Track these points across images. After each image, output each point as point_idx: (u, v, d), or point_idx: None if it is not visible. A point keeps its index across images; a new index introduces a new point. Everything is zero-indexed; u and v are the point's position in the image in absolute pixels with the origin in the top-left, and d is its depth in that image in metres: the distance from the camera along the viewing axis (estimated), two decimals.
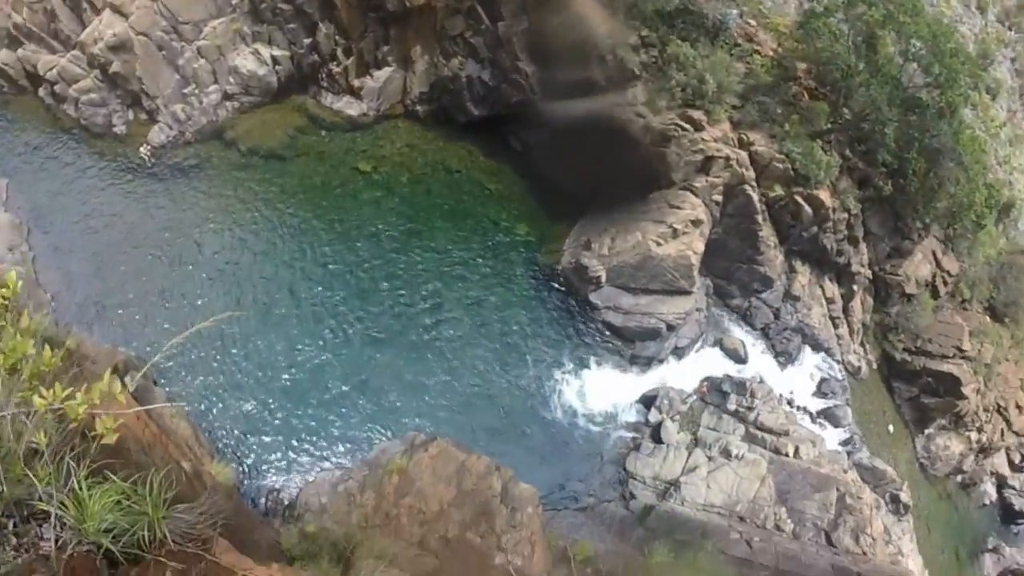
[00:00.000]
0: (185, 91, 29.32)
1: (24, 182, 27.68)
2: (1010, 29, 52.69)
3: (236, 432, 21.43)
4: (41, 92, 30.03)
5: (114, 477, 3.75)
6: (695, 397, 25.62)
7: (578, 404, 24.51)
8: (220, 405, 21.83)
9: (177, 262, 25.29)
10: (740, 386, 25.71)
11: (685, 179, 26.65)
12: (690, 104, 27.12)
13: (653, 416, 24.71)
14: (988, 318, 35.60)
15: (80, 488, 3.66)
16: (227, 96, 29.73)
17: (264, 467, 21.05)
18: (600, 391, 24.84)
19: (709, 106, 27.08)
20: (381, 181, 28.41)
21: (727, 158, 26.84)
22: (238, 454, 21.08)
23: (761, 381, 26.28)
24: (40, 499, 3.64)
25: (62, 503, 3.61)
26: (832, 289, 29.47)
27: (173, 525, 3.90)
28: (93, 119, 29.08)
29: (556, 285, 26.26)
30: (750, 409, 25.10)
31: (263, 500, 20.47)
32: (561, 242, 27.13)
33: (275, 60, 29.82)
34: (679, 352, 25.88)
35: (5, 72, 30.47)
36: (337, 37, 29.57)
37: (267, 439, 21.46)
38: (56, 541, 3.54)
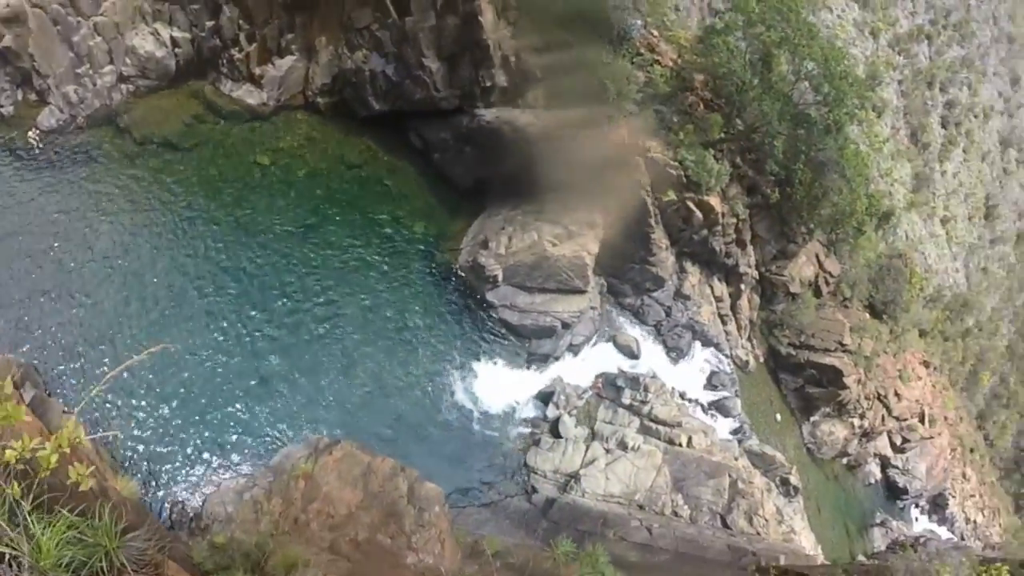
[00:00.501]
0: (79, 71, 27.70)
1: None
2: (899, 54, 57.06)
3: (132, 443, 20.46)
4: None
5: (64, 511, 3.78)
6: (591, 392, 26.45)
7: (477, 402, 24.79)
8: (113, 415, 20.85)
9: (66, 257, 23.87)
10: (634, 381, 26.74)
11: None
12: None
13: (551, 412, 25.36)
14: (868, 315, 38.31)
15: (32, 525, 3.63)
16: (122, 78, 28.42)
17: (165, 478, 20.27)
18: (498, 388, 25.23)
19: (610, 111, 28.15)
20: (279, 175, 27.77)
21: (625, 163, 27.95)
22: (137, 466, 20.18)
23: (654, 376, 27.42)
24: None
25: (13, 544, 3.54)
26: (721, 288, 31.06)
27: (127, 553, 3.98)
28: None
29: (453, 283, 26.48)
30: (644, 402, 26.14)
31: (168, 513, 19.74)
32: (459, 240, 27.40)
33: (175, 42, 28.75)
34: (574, 349, 26.63)
35: None
36: (241, 21, 28.81)
37: (164, 449, 20.62)
38: None
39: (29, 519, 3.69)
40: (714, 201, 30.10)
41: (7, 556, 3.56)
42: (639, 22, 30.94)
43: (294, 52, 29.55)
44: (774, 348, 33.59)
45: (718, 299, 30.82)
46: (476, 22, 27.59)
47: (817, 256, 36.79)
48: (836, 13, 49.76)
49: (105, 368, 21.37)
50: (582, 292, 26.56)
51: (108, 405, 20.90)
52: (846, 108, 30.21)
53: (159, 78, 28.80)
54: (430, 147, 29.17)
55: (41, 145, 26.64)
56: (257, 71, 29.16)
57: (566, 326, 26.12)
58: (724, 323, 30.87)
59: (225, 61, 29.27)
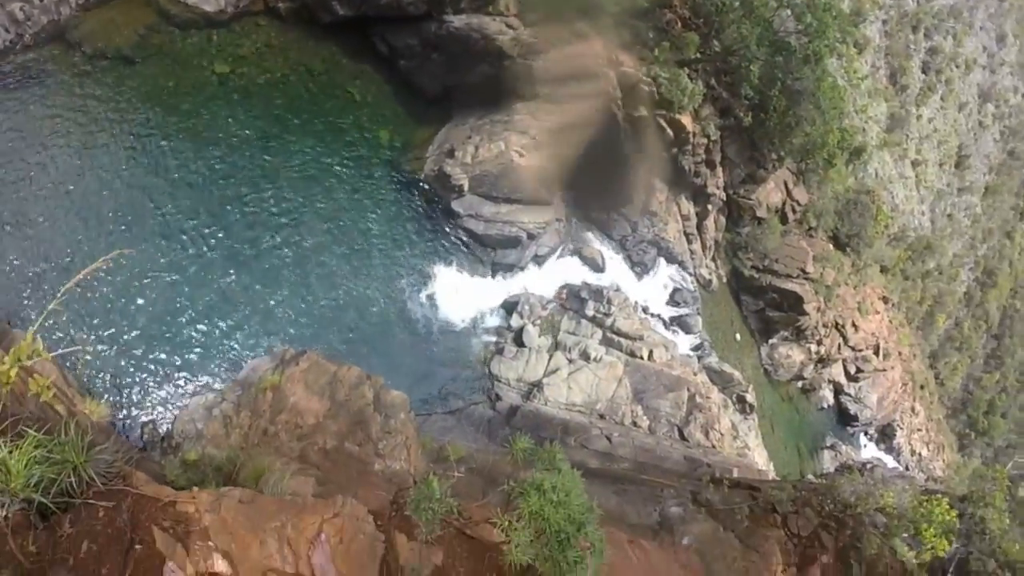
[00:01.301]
0: None
1: None
2: None
3: (97, 366, 20.27)
4: None
5: (31, 431, 3.72)
6: (555, 303, 26.66)
7: (441, 311, 24.78)
8: (73, 337, 20.40)
9: (19, 182, 23.08)
10: (598, 293, 26.98)
11: (550, 92, 27.11)
12: (561, 20, 27.53)
13: (515, 321, 25.49)
14: (832, 246, 38.97)
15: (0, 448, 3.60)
16: None
17: (134, 400, 20.19)
18: (463, 298, 25.23)
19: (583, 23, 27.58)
20: (238, 83, 26.75)
21: (595, 75, 27.56)
22: (104, 390, 20.00)
23: (618, 289, 27.67)
24: None
25: None
26: (688, 207, 31.22)
27: (95, 467, 3.96)
28: None
29: (418, 193, 26.07)
30: (607, 315, 26.43)
31: (139, 434, 19.67)
32: (424, 149, 26.86)
33: None
34: (539, 260, 26.63)
35: None
36: None
37: (131, 371, 20.44)
38: None
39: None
40: (686, 120, 29.97)
41: None
42: None
43: None
44: (737, 270, 34.10)
45: (684, 218, 31.00)
46: None
47: (786, 183, 37.10)
48: None
49: (59, 287, 20.68)
50: (547, 204, 26.46)
51: (71, 328, 20.52)
52: (827, 40, 30.04)
53: None
54: (396, 54, 28.15)
55: None
56: None
57: (531, 237, 26.08)
58: (689, 242, 31.14)
59: None
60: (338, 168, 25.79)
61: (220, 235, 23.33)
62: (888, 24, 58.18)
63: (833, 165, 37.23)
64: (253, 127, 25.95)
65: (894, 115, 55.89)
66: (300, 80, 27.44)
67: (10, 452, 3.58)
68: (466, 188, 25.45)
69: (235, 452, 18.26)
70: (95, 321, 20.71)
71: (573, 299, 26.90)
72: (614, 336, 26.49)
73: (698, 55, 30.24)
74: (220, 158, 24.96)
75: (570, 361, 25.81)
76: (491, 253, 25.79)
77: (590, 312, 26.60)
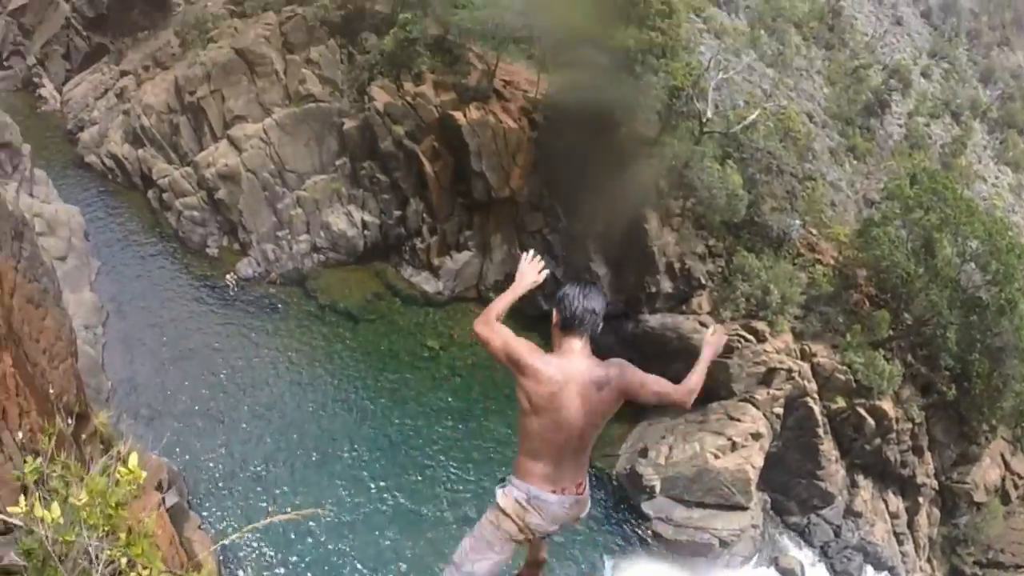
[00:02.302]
0: (279, 234, 31.03)
1: (114, 269, 29.16)
2: None
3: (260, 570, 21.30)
4: (150, 194, 32.28)
5: None
6: None
7: None
8: (247, 544, 21.61)
9: (235, 389, 25.85)
10: None
11: (746, 390, 26.90)
12: (753, 315, 27.75)
13: None
14: None
15: None
16: (315, 248, 31.35)
17: None
18: None
19: (772, 317, 27.62)
20: (446, 360, 28.90)
21: (789, 370, 27.05)
22: None
23: None
24: None
25: None
26: (896, 503, 28.63)
27: None
28: (190, 234, 30.93)
29: (608, 490, 26.09)
30: None
31: None
32: (617, 447, 27.17)
33: (365, 224, 31.50)
34: (732, 571, 25.24)
35: (123, 165, 32.97)
36: (425, 215, 31.26)
37: None
38: None
39: None
40: (887, 406, 28.24)
41: None
42: (797, 222, 30.69)
43: (471, 248, 31.55)
44: (957, 568, 30.24)
45: (893, 515, 28.38)
46: (641, 229, 28.17)
47: (1002, 455, 33.20)
48: (990, 182, 46.68)
49: (246, 497, 22.84)
50: (744, 509, 25.41)
51: (245, 548, 21.70)
52: (1017, 283, 27.93)
53: (347, 254, 31.58)
54: (594, 351, 29.21)
55: (236, 288, 29.69)
56: (436, 261, 31.30)
57: (724, 545, 24.93)
58: (900, 543, 28.26)
59: (408, 248, 31.78)
60: None
61: (397, 494, 24.20)
62: None
63: None
64: (452, 402, 27.63)
65: None
66: (502, 367, 28.87)
67: None
68: (658, 490, 25.19)
69: None
70: (269, 531, 21.57)
71: None
72: None
73: (891, 332, 29.06)
74: (415, 424, 26.59)
75: None
76: (681, 561, 24.77)
77: None
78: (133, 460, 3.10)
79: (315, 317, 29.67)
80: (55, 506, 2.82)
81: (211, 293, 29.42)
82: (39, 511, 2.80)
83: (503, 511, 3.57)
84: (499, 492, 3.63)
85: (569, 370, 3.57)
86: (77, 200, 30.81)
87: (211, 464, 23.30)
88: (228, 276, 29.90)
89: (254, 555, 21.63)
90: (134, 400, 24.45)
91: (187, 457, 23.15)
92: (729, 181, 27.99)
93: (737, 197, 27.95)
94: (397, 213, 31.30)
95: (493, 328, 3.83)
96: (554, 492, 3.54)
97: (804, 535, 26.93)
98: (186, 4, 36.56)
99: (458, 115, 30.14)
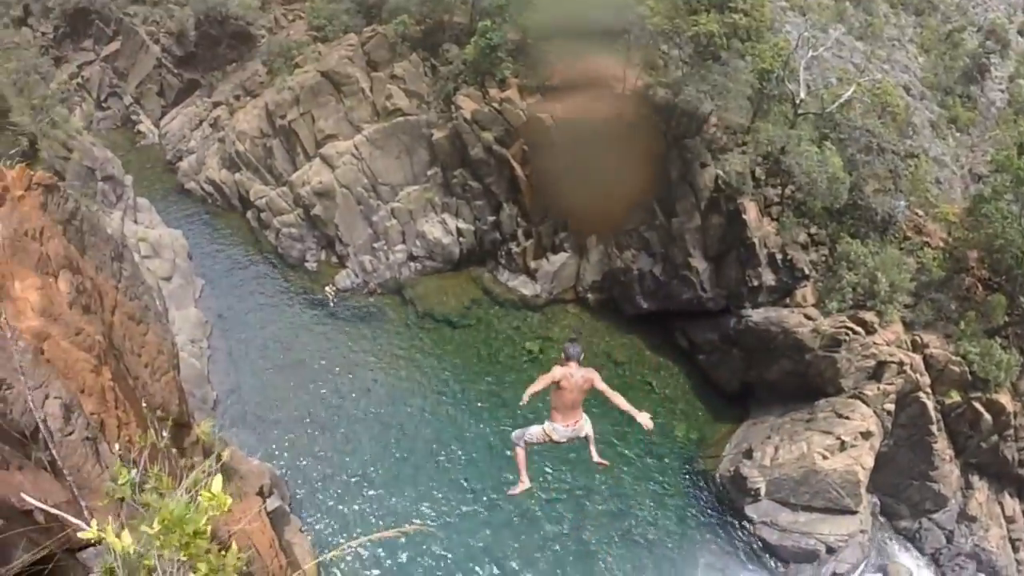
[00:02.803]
0: (375, 245, 32.06)
1: (218, 287, 30.55)
2: None
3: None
4: (248, 214, 33.95)
5: None
6: None
7: None
8: (347, 548, 22.41)
9: (336, 396, 26.74)
10: None
11: (855, 386, 25.98)
12: (861, 305, 26.62)
13: None
14: None
15: None
16: (412, 257, 32.20)
17: None
18: None
19: (881, 307, 26.42)
20: (546, 362, 28.56)
21: (900, 363, 25.96)
22: None
23: None
24: None
25: None
26: (1013, 506, 27.30)
27: None
28: (289, 250, 32.34)
29: (711, 493, 25.80)
30: None
31: None
32: (721, 447, 26.78)
33: (459, 232, 32.10)
34: None
35: (222, 189, 34.70)
36: (519, 219, 31.50)
37: None
38: None
39: None
40: (1004, 399, 26.83)
41: None
42: (902, 203, 29.18)
43: (567, 249, 31.57)
44: None
45: (1009, 520, 27.05)
46: (740, 220, 27.53)
47: None
48: None
49: (346, 500, 23.40)
50: (852, 513, 24.63)
51: (342, 535, 22.27)
52: None
53: (444, 261, 32.16)
54: (696, 348, 29.19)
55: (335, 300, 30.60)
56: (532, 265, 31.49)
57: (831, 551, 24.22)
58: (1015, 549, 26.94)
59: (503, 253, 32.10)
60: (632, 457, 26.42)
61: (499, 503, 24.31)
62: None
63: None
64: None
65: None
66: (603, 367, 28.51)
67: None
68: (762, 493, 24.75)
69: None
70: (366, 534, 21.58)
71: None
72: None
73: (1006, 318, 27.36)
74: (520, 423, 26.55)
75: None
76: (785, 567, 24.35)
77: None
78: (217, 484, 3.16)
79: (414, 325, 30.39)
80: (126, 535, 2.90)
81: (311, 305, 30.48)
82: (111, 537, 2.86)
83: (543, 430, 8.18)
84: (545, 423, 8.19)
85: (571, 372, 7.75)
86: (180, 224, 32.38)
87: (313, 469, 24.16)
88: (327, 288, 30.81)
89: (350, 556, 22.11)
90: (239, 409, 25.62)
91: (290, 462, 24.07)
92: (828, 164, 26.88)
93: (838, 180, 26.82)
94: (491, 218, 31.64)
95: (542, 380, 7.80)
96: (565, 425, 8.05)
97: (914, 541, 25.88)
98: (269, 35, 38.11)
99: (545, 117, 30.04)
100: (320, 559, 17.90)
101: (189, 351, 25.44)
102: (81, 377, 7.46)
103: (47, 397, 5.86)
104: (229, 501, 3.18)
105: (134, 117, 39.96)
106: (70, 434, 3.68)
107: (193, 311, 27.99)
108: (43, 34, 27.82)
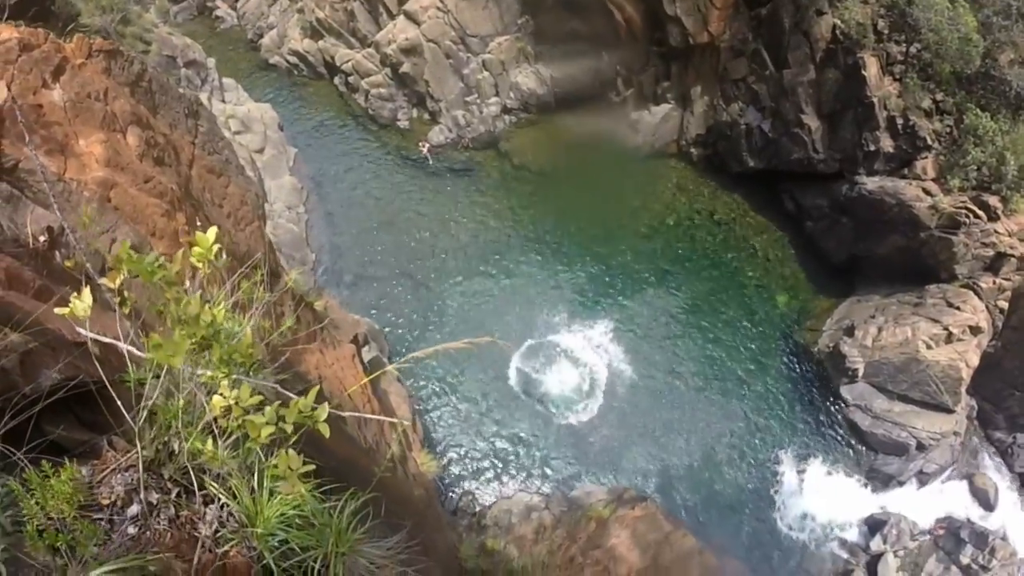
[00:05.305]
0: (467, 99, 31.00)
1: (311, 153, 30.64)
2: None
3: (451, 428, 22.46)
4: (336, 80, 33.58)
5: (302, 488, 3.10)
6: (928, 536, 22.48)
7: (798, 503, 22.48)
8: (443, 401, 22.83)
9: (432, 252, 26.83)
10: (981, 538, 22.34)
11: (969, 275, 23.83)
12: (986, 187, 24.02)
13: (875, 544, 22.10)
14: None
15: (262, 484, 3.07)
16: (506, 110, 30.93)
17: (467, 467, 21.81)
18: (826, 497, 22.53)
19: (1007, 192, 23.77)
20: (646, 218, 28.05)
21: (1021, 257, 23.31)
22: (446, 448, 22.06)
23: (1004, 538, 22.54)
24: (213, 477, 3.17)
25: (234, 491, 3.09)
26: None
27: (351, 562, 3.15)
28: (380, 111, 31.77)
29: (806, 367, 24.42)
30: (985, 568, 21.71)
31: (455, 499, 21.09)
32: (822, 321, 25.06)
33: (554, 81, 30.33)
34: (923, 478, 22.88)
35: (306, 59, 34.31)
36: (618, 67, 29.21)
37: (480, 444, 22.21)
38: (215, 532, 3.07)
39: (264, 478, 3.10)
40: None
41: (218, 503, 3.11)
42: None
43: (669, 100, 29.43)
44: None
45: None
46: (859, 77, 24.72)
47: None
48: None
49: (447, 364, 23.57)
50: (949, 411, 22.79)
51: (440, 394, 23.06)
52: None
53: (539, 112, 30.84)
54: (803, 213, 27.15)
55: (430, 156, 30.23)
56: (633, 116, 29.57)
57: (920, 448, 22.56)
58: None
59: (603, 104, 29.82)
60: (727, 319, 25.40)
61: (606, 350, 24.39)
62: None
63: None
64: (653, 260, 26.99)
65: None
66: (705, 226, 27.96)
67: (270, 492, 3.03)
68: (860, 374, 23.21)
69: (535, 564, 16.70)
70: (466, 390, 23.07)
71: (949, 537, 22.55)
72: None
73: None
74: (620, 285, 26.29)
75: None
76: (871, 457, 23.00)
77: (965, 559, 22.36)
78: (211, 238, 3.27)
79: (510, 177, 29.83)
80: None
81: (405, 163, 30.19)
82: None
83: None
84: None
85: None
86: (268, 98, 32.32)
87: (411, 321, 24.44)
88: (421, 145, 30.35)
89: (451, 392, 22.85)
90: (338, 268, 26.03)
91: (389, 317, 24.40)
92: (960, 22, 23.97)
93: (970, 43, 23.86)
94: (589, 65, 29.20)
95: None
96: None
97: (1006, 456, 23.90)
98: None
99: None
100: (387, 368, 17.90)
101: (287, 217, 25.95)
102: (151, 221, 7.41)
103: (114, 241, 6.35)
104: (218, 247, 3.29)
105: (210, 4, 39.95)
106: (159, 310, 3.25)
107: (288, 179, 28.03)
108: None
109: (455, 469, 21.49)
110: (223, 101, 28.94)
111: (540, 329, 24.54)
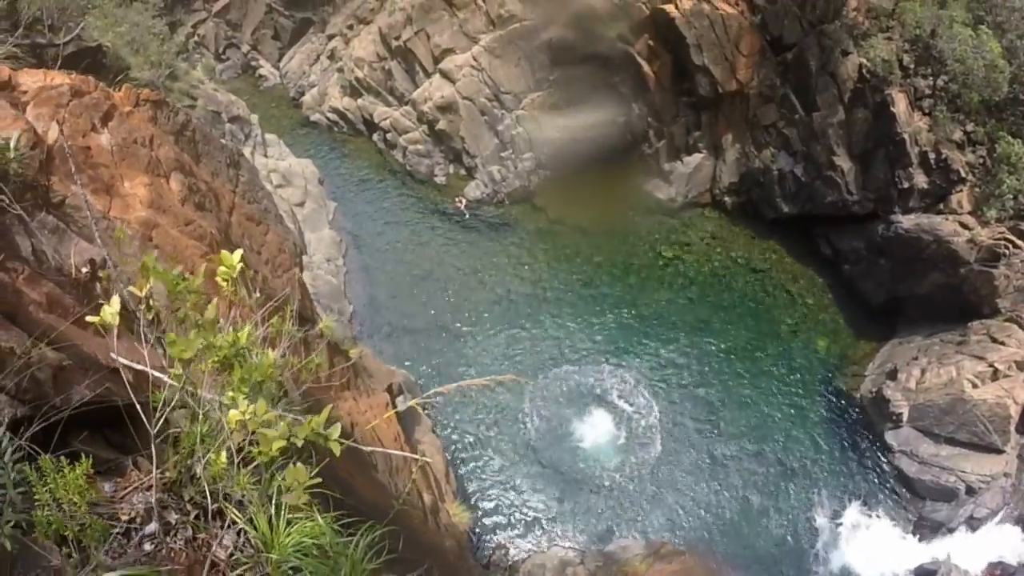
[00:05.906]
0: (502, 155, 31.60)
1: (349, 207, 31.35)
2: None
3: (485, 480, 22.39)
4: (374, 137, 34.40)
5: (318, 516, 3.25)
6: None
7: (842, 555, 21.94)
8: (477, 453, 22.91)
9: (468, 305, 27.09)
10: None
11: (1013, 308, 23.57)
12: (1023, 215, 23.50)
13: None
14: None
15: (280, 513, 3.19)
16: (540, 164, 31.45)
17: (500, 519, 21.63)
18: (870, 548, 21.96)
19: None
20: (682, 269, 28.32)
21: None
22: (479, 500, 21.92)
23: None
24: (232, 503, 3.27)
25: (252, 518, 3.18)
26: None
27: None
28: (417, 167, 32.48)
29: (849, 413, 24.19)
30: None
31: (488, 552, 20.85)
32: (863, 366, 25.03)
33: (587, 136, 30.55)
34: (973, 523, 21.91)
35: (346, 116, 35.35)
36: (649, 119, 29.87)
37: (513, 496, 22.08)
38: (230, 555, 3.14)
39: (283, 505, 3.23)
40: None
41: (235, 526, 3.22)
42: None
43: (701, 150, 29.79)
44: None
45: None
46: (888, 114, 24.94)
47: None
48: None
49: (479, 404, 23.78)
50: (999, 452, 22.15)
51: (472, 442, 23.09)
52: None
53: (573, 167, 30.58)
54: (840, 256, 27.25)
55: (466, 211, 30.68)
56: (666, 167, 30.00)
57: (970, 491, 21.93)
58: None
59: (635, 156, 30.55)
60: (765, 367, 25.34)
61: (641, 400, 24.39)
62: None
63: None
64: (692, 312, 27.12)
65: None
66: (741, 274, 28.05)
67: (287, 521, 3.13)
68: (905, 418, 22.91)
69: None
70: (497, 441, 23.03)
71: None
72: None
73: None
74: (656, 336, 26.42)
75: None
76: (918, 504, 22.33)
77: None
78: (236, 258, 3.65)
79: (545, 231, 30.25)
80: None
81: (442, 218, 30.73)
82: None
83: None
84: None
85: None
86: (308, 154, 33.20)
87: (447, 373, 24.56)
88: (457, 200, 30.91)
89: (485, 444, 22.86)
90: (375, 320, 26.41)
91: (425, 370, 24.63)
92: (985, 49, 24.09)
93: (996, 69, 24.02)
94: (620, 120, 30.01)
95: None
96: None
97: None
98: None
99: (670, 8, 27.66)
100: (410, 403, 17.82)
101: (325, 269, 26.35)
102: (191, 261, 7.64)
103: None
104: (240, 266, 3.77)
105: (253, 63, 41.31)
106: (177, 310, 3.78)
107: (327, 232, 28.68)
108: (153, 4, 28.67)
109: (488, 521, 21.41)
110: (265, 156, 29.77)
111: (575, 380, 24.70)
